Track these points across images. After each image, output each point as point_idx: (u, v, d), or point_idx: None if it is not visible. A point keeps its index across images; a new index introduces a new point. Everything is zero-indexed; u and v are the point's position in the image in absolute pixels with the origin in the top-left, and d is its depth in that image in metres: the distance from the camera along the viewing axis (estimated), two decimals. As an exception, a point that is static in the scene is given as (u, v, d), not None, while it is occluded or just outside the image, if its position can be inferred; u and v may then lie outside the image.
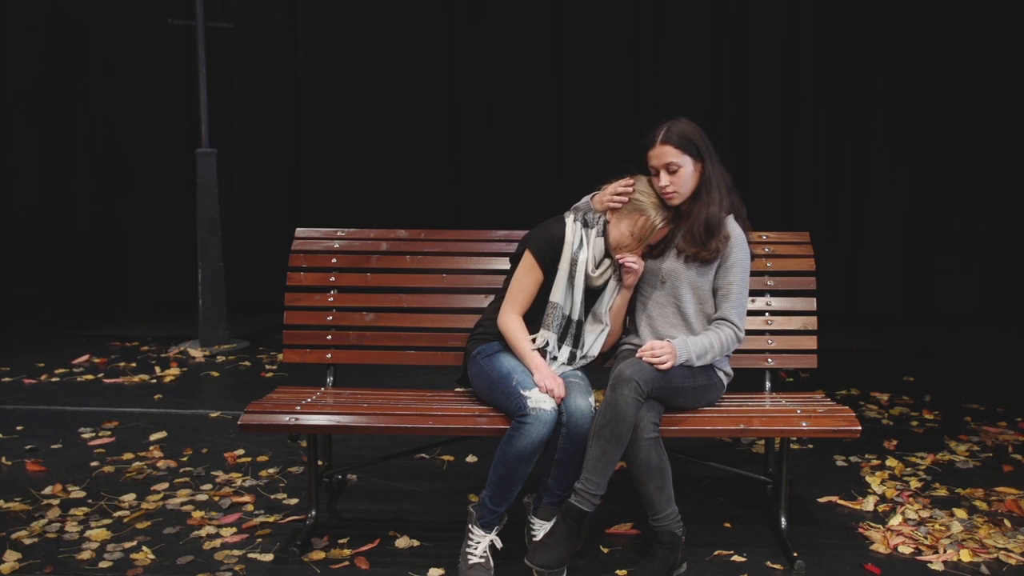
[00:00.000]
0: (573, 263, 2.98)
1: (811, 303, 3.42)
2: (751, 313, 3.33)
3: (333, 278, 3.47)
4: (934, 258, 6.76)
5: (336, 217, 6.79)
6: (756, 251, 3.39)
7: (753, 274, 3.32)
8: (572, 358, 3.05)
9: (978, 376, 5.32)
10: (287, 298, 3.46)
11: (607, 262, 3.04)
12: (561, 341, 3.03)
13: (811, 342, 3.39)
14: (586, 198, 3.08)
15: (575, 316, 3.02)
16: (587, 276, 3.00)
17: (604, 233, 3.01)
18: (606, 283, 3.06)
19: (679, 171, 2.94)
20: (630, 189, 2.97)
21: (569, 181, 6.61)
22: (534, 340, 2.99)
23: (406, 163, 6.97)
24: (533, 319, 3.03)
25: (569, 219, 3.02)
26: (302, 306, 3.46)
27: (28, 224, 7.10)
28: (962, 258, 6.73)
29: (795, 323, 3.41)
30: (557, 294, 2.99)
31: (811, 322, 3.41)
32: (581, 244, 2.99)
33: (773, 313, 3.42)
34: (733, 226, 3.03)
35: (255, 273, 6.98)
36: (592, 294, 3.07)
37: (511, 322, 3.01)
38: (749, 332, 3.23)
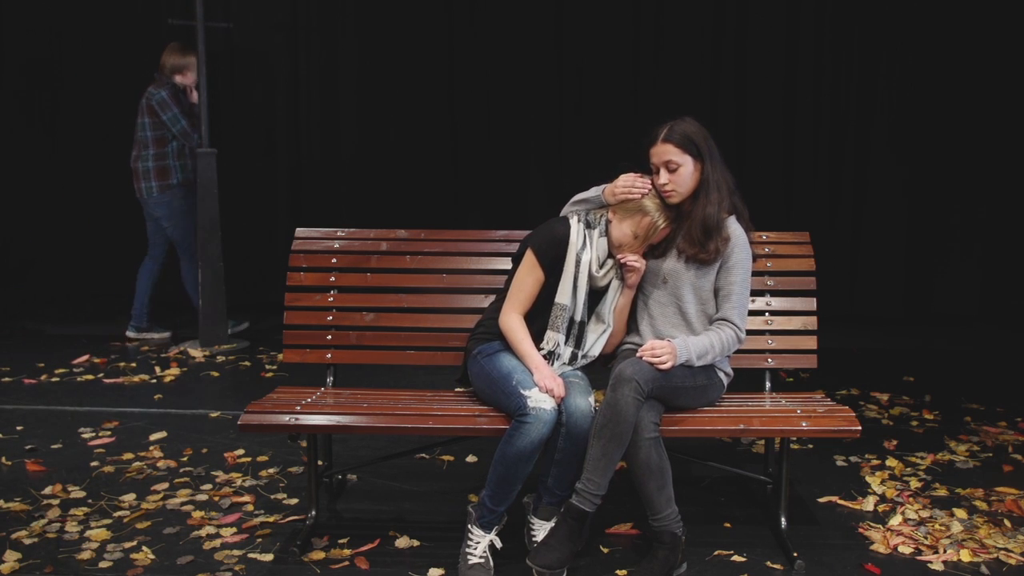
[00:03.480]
0: (577, 263, 2.98)
1: (811, 303, 3.42)
2: (751, 313, 3.33)
3: (333, 278, 3.48)
4: (934, 258, 6.74)
5: (336, 217, 6.77)
6: (756, 251, 3.38)
7: (753, 274, 3.31)
8: (573, 358, 3.05)
9: (978, 376, 5.31)
10: (287, 298, 3.46)
11: (610, 262, 3.04)
12: (565, 340, 3.03)
13: (811, 342, 3.39)
14: (596, 189, 3.07)
15: (578, 317, 3.02)
16: (591, 276, 3.01)
17: (606, 233, 3.01)
18: (609, 283, 3.07)
19: (679, 170, 2.95)
20: (648, 185, 2.96)
21: (569, 181, 6.52)
22: (540, 344, 3.00)
23: (406, 163, 6.97)
24: (533, 319, 3.03)
25: (573, 219, 3.02)
26: (302, 306, 3.47)
27: (28, 224, 7.10)
28: (962, 258, 6.72)
29: (795, 323, 3.41)
30: (564, 296, 2.99)
31: (811, 322, 3.41)
32: (585, 244, 2.99)
33: (773, 313, 3.42)
34: (734, 227, 3.04)
35: (255, 273, 6.98)
36: (595, 294, 3.07)
37: (512, 322, 3.01)
38: (749, 332, 3.23)
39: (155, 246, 5.93)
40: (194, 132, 5.66)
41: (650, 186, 2.97)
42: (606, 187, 3.05)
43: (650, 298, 3.10)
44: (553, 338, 3.00)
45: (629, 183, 2.98)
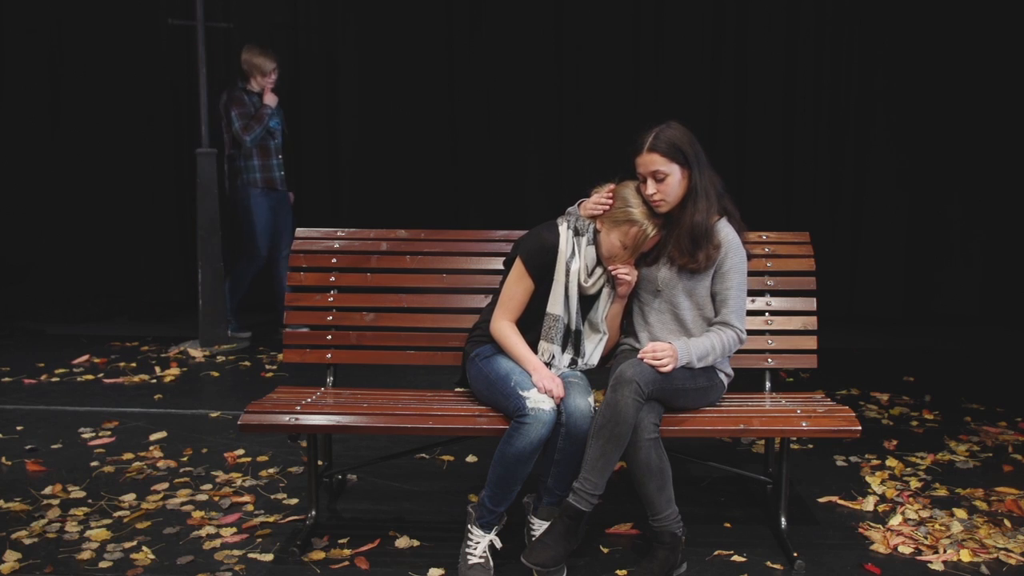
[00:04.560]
0: (567, 272, 2.96)
1: (811, 303, 3.42)
2: (751, 313, 3.33)
3: (333, 278, 3.47)
4: (934, 258, 6.75)
5: (336, 217, 6.78)
6: (756, 251, 3.38)
7: (753, 274, 3.32)
8: (573, 364, 3.05)
9: (978, 376, 5.31)
10: (287, 298, 3.46)
11: (599, 270, 3.01)
12: (562, 350, 3.02)
13: (811, 342, 3.39)
14: (576, 204, 3.08)
15: (573, 326, 3.01)
16: (580, 285, 2.99)
17: (595, 241, 3.00)
18: (600, 291, 3.05)
19: (666, 179, 2.91)
20: (609, 200, 2.95)
21: (569, 181, 6.61)
22: (537, 353, 2.99)
23: (406, 163, 6.97)
24: (527, 331, 3.02)
25: (563, 227, 3.00)
26: (302, 306, 3.47)
27: (28, 224, 7.11)
28: (962, 258, 6.72)
29: (795, 323, 3.41)
30: (556, 306, 2.97)
31: (811, 322, 3.41)
32: (573, 253, 2.97)
33: (773, 313, 3.42)
34: (726, 230, 3.01)
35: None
36: (587, 302, 3.06)
37: (504, 328, 3.00)
38: (749, 332, 3.22)
39: (270, 245, 6.06)
40: (246, 135, 5.74)
41: (612, 200, 2.95)
42: (583, 201, 3.05)
43: (646, 305, 3.09)
44: (548, 349, 2.99)
45: (595, 200, 2.98)
